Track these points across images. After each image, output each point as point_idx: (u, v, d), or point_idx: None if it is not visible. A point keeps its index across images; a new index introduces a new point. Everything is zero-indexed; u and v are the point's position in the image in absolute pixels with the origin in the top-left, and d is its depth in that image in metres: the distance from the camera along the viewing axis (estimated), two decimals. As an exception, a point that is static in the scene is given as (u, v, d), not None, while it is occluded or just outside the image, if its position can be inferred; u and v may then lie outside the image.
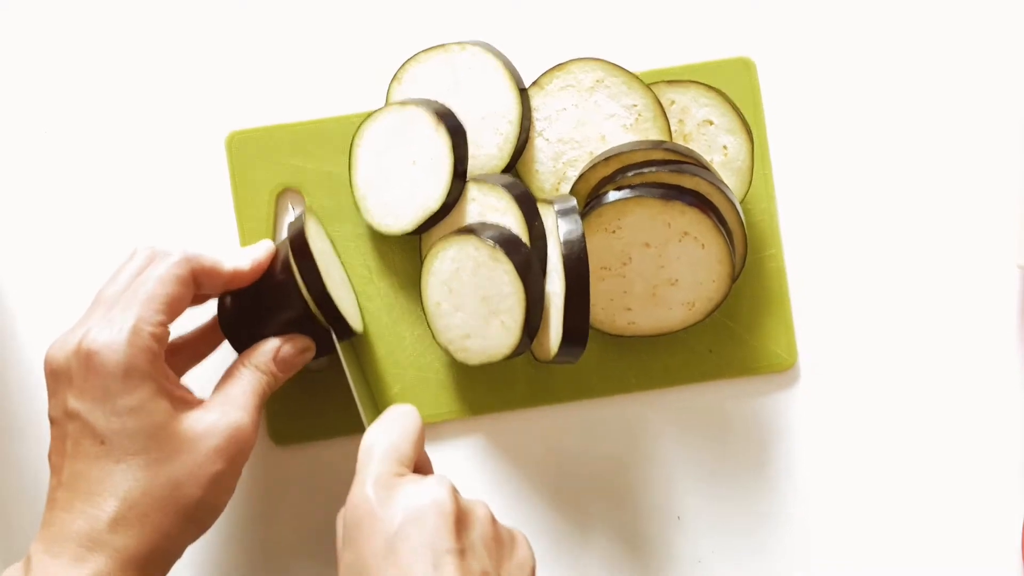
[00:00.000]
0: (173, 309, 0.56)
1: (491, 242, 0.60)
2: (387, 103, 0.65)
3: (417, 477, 0.53)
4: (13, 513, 0.68)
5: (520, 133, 0.64)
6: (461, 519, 0.51)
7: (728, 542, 0.67)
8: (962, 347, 0.67)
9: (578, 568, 0.67)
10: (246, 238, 0.67)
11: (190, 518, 0.54)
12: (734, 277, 0.62)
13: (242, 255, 0.61)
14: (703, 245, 0.61)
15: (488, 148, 0.64)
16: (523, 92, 0.64)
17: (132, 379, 0.53)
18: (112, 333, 0.54)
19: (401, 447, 0.54)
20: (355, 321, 0.64)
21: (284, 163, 0.67)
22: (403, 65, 0.65)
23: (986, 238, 0.68)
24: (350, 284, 0.67)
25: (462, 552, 0.50)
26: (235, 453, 0.56)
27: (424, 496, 0.51)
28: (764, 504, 0.67)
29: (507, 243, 0.60)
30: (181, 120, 0.69)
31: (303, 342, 0.61)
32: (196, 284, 0.58)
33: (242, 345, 0.61)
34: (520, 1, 0.69)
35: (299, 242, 0.60)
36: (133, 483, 0.53)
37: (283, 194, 0.68)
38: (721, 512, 0.67)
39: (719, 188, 0.61)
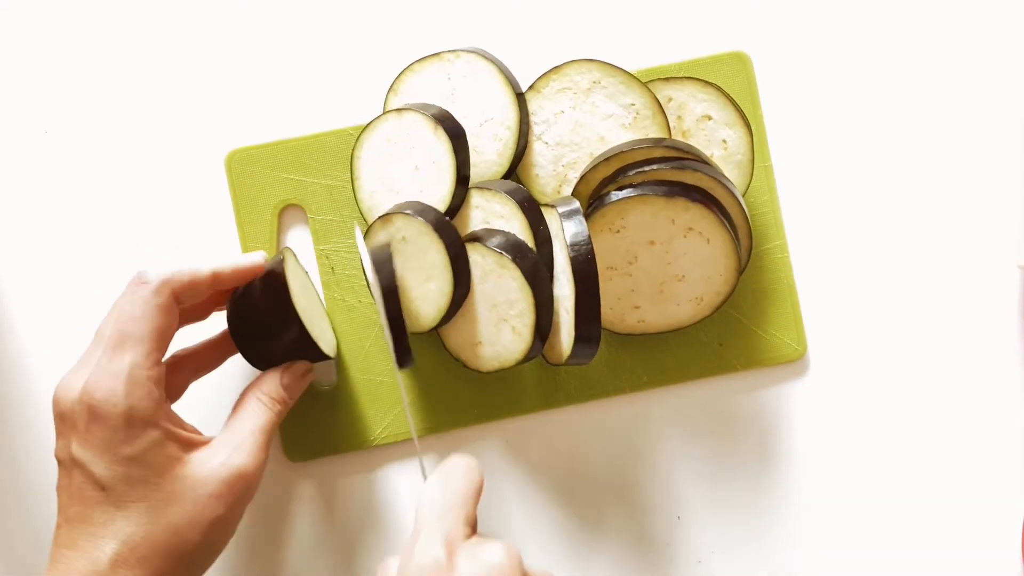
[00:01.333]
0: (163, 342, 0.57)
1: (498, 249, 0.60)
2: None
3: (482, 540, 0.50)
4: (10, 502, 0.68)
5: (519, 138, 0.64)
6: None
7: (732, 541, 0.67)
8: (963, 346, 0.67)
9: (589, 568, 0.67)
10: (250, 256, 0.67)
11: (190, 561, 0.55)
12: (740, 270, 0.62)
13: (223, 259, 0.61)
14: (708, 240, 0.61)
15: (488, 155, 0.64)
16: (520, 97, 0.64)
17: (133, 428, 0.54)
18: (111, 383, 0.54)
19: (467, 505, 0.51)
20: (329, 347, 0.64)
21: (284, 179, 0.67)
22: (399, 76, 0.65)
23: (986, 237, 0.68)
24: (323, 309, 0.67)
25: None
26: (236, 497, 0.57)
27: (493, 562, 0.48)
28: (771, 501, 0.67)
29: (513, 249, 0.60)
30: (180, 135, 0.69)
31: (302, 367, 0.62)
32: (179, 300, 0.58)
33: (252, 357, 0.62)
34: (513, 5, 0.69)
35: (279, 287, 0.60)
36: (134, 528, 0.54)
37: (285, 210, 0.68)
38: (727, 510, 0.67)
39: (721, 182, 0.61)
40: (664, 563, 0.67)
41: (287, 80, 0.69)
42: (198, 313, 0.63)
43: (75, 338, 0.68)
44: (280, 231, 0.68)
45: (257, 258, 0.62)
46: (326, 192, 0.67)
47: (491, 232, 0.61)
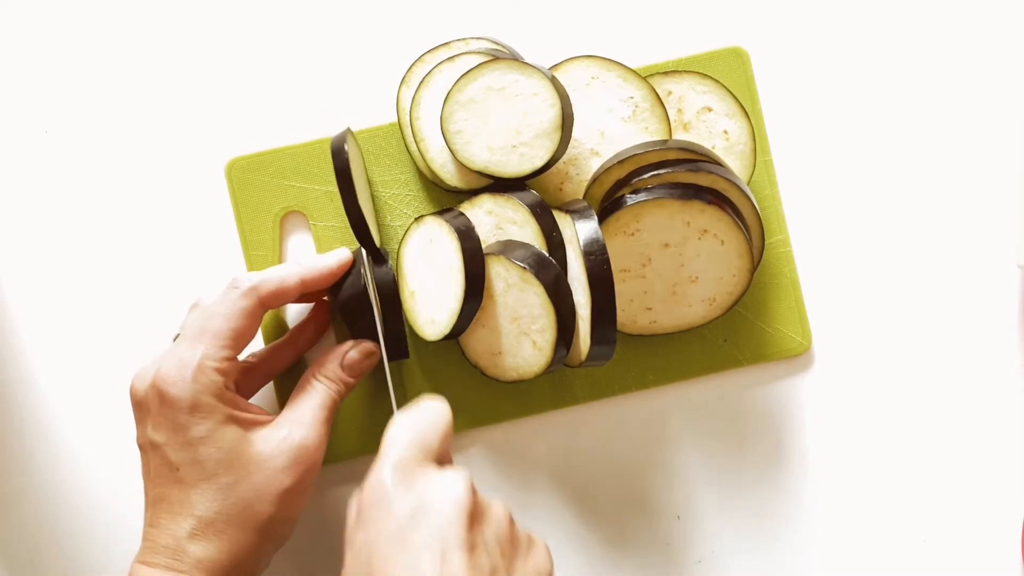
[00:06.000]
0: (239, 341, 0.59)
1: (521, 264, 0.59)
2: (397, 109, 0.65)
3: (437, 468, 0.53)
4: (9, 503, 0.67)
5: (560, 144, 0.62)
6: (476, 514, 0.51)
7: (733, 540, 0.68)
8: (963, 346, 0.68)
9: (589, 567, 0.68)
10: (252, 264, 0.66)
11: (265, 532, 0.58)
12: (753, 270, 0.63)
13: (311, 265, 0.62)
14: (723, 241, 0.61)
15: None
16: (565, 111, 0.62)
17: (198, 413, 0.57)
18: (180, 371, 0.57)
19: (427, 438, 0.53)
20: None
21: (285, 186, 0.66)
22: (410, 68, 0.65)
23: (986, 237, 0.68)
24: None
25: (472, 547, 0.50)
26: (302, 469, 0.59)
27: (441, 486, 0.51)
28: (773, 499, 0.68)
29: (537, 264, 0.60)
30: (179, 143, 0.68)
31: (368, 347, 0.63)
32: (264, 307, 0.60)
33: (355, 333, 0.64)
34: (512, 6, 0.68)
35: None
36: (208, 504, 0.57)
37: (286, 217, 0.67)
38: (729, 508, 0.68)
39: (735, 184, 0.61)
40: (664, 563, 0.68)
41: (286, 87, 0.68)
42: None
43: (75, 339, 0.68)
44: (282, 238, 0.67)
45: (343, 257, 0.63)
46: (327, 198, 0.66)
47: (512, 245, 0.61)
